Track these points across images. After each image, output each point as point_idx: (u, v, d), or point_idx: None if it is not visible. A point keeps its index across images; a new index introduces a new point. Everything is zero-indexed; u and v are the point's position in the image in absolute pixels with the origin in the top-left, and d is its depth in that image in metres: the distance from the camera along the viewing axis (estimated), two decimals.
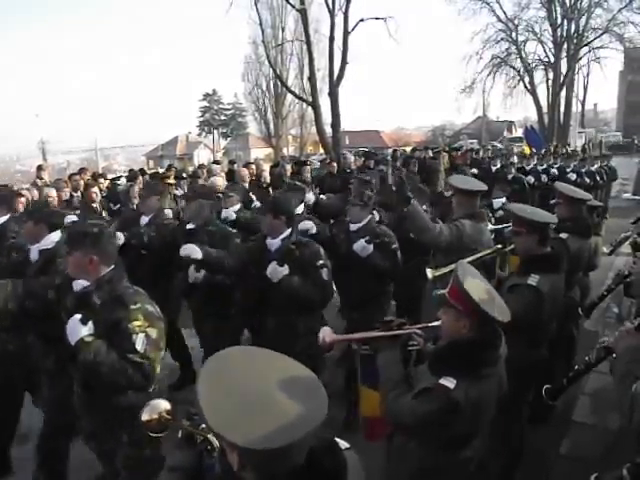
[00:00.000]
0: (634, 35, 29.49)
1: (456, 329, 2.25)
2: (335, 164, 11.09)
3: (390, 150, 17.28)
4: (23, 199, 6.21)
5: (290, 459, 1.23)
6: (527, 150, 19.52)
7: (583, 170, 11.91)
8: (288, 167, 11.07)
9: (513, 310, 2.31)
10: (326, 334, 2.70)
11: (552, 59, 31.20)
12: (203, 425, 1.70)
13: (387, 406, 2.33)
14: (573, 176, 11.35)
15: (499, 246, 3.90)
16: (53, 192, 6.52)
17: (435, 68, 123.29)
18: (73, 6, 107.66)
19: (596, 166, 12.69)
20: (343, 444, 1.46)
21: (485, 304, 2.14)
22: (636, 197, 13.93)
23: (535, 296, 3.09)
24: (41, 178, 8.86)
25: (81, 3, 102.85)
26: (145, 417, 1.84)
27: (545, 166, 12.17)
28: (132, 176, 8.75)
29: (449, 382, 2.12)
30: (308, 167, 10.29)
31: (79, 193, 7.70)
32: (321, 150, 23.61)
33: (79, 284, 2.80)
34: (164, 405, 1.85)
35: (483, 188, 4.41)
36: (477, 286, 2.22)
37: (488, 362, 2.23)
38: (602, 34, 30.02)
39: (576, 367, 2.61)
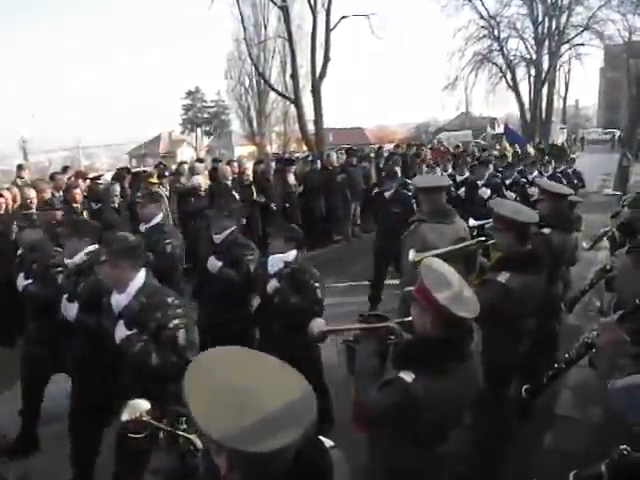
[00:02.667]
0: (613, 32, 29.90)
1: (421, 324, 2.24)
2: (319, 162, 11.08)
3: (375, 147, 17.27)
4: (2, 199, 6.12)
5: (280, 461, 1.22)
6: (509, 148, 19.56)
7: (506, 181, 8.84)
8: (273, 165, 11.00)
9: (481, 303, 2.28)
10: (315, 325, 2.68)
11: (534, 56, 31.43)
12: (184, 426, 1.68)
13: (359, 398, 2.32)
14: (487, 192, 8.08)
15: (482, 238, 3.92)
16: (32, 193, 6.34)
17: (419, 66, 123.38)
18: (73, 6, 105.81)
19: (535, 172, 10.14)
20: (328, 442, 1.46)
21: (445, 299, 2.11)
22: (617, 192, 14.08)
23: (502, 292, 3.09)
24: (21, 177, 8.69)
25: (81, 3, 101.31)
26: (125, 417, 1.81)
27: (467, 175, 8.89)
28: (120, 177, 8.57)
29: (407, 376, 2.12)
30: (293, 166, 10.29)
31: (61, 193, 7.56)
32: (304, 147, 23.50)
33: None
34: (144, 405, 1.83)
35: (443, 184, 4.48)
36: (440, 281, 2.19)
37: (454, 358, 2.19)
38: (582, 31, 30.35)
39: (556, 365, 2.62)
